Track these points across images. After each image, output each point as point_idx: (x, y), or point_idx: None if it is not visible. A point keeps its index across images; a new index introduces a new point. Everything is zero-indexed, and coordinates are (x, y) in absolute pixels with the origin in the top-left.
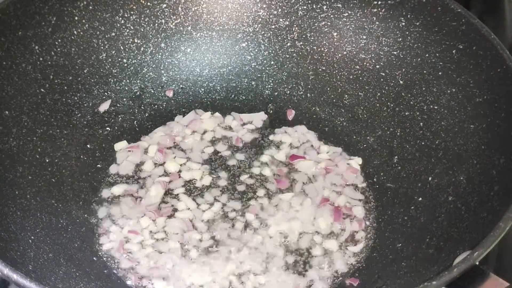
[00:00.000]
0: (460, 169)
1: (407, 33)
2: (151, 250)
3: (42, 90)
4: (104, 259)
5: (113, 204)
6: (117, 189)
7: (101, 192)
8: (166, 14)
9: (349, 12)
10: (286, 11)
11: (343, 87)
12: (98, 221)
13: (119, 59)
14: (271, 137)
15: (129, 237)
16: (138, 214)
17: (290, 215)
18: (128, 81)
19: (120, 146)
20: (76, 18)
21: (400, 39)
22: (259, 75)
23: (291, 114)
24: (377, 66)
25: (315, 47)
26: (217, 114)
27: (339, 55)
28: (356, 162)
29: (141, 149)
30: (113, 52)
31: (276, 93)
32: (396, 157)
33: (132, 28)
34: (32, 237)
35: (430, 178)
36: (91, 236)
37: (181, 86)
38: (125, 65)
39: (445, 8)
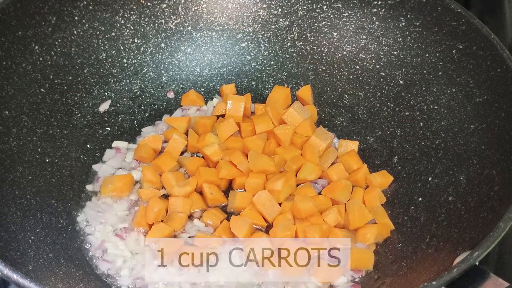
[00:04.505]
0: (460, 169)
1: (407, 33)
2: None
3: (42, 90)
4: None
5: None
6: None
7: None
8: (166, 14)
9: (349, 12)
10: (286, 11)
11: (343, 87)
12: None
13: (119, 59)
14: None
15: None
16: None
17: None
18: (128, 81)
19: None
20: (76, 18)
21: (400, 39)
22: (259, 75)
23: None
24: (377, 66)
25: (315, 47)
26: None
27: (339, 55)
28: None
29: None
30: (113, 52)
31: None
32: (396, 157)
33: (132, 28)
34: (32, 237)
35: (430, 178)
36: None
37: (181, 86)
38: (125, 65)
39: (445, 8)
